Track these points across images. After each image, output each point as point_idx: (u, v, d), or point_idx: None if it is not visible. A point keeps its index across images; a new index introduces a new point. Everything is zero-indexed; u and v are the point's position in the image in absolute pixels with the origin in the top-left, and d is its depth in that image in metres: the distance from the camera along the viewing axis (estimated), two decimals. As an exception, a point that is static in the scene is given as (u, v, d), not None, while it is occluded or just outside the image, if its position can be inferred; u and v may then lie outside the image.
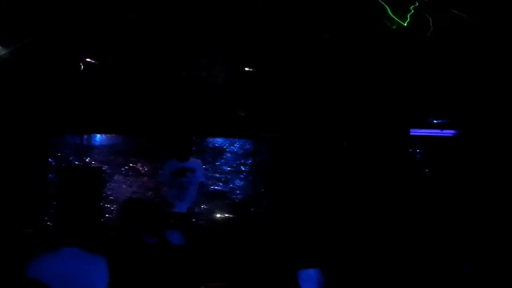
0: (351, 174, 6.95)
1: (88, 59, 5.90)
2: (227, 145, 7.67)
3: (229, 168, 7.61)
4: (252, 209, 7.36)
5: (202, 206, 7.06)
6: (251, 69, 6.42)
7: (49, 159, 6.82)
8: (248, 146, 7.70)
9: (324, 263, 2.77)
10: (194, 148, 7.06)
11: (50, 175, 6.73)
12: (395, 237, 5.52)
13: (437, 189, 7.29)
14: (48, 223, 6.00)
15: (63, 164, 6.80)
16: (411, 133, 7.35)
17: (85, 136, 7.05)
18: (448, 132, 7.34)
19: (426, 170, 7.65)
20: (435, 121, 7.32)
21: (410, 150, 7.61)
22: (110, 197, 7.06)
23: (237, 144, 7.70)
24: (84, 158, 7.01)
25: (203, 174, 5.30)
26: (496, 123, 6.77)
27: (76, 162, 6.93)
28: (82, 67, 5.91)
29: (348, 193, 6.71)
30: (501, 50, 5.39)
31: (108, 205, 6.94)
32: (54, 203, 6.17)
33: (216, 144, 7.65)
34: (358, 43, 5.74)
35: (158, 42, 5.60)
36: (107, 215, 6.79)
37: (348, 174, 6.98)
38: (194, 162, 5.26)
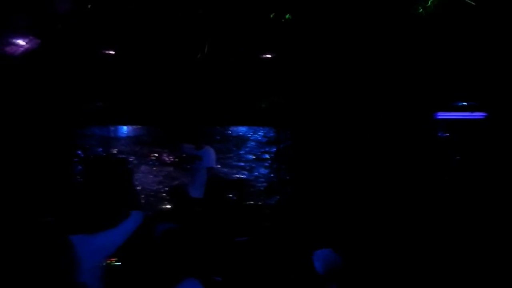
0: (376, 160, 6.83)
1: (109, 52, 5.99)
2: (251, 133, 7.68)
3: (253, 157, 7.62)
4: (277, 197, 7.37)
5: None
6: (274, 56, 6.38)
7: (78, 151, 7.04)
8: (271, 134, 7.69)
9: (337, 244, 2.83)
10: (209, 137, 7.13)
11: (79, 167, 6.95)
12: (419, 224, 5.40)
13: (467, 174, 7.07)
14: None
15: (91, 156, 6.99)
16: (439, 117, 7.15)
17: (111, 128, 7.22)
18: (477, 115, 7.09)
19: (456, 155, 7.42)
20: (464, 104, 7.08)
21: (439, 134, 7.40)
22: (138, 187, 7.21)
23: (261, 133, 7.69)
24: (111, 149, 7.18)
25: (211, 160, 5.55)
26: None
27: (103, 154, 7.11)
28: (104, 62, 6.02)
29: (372, 179, 6.60)
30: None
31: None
32: (82, 193, 6.33)
33: (240, 133, 7.67)
34: (381, 27, 5.60)
35: (179, 31, 5.62)
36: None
37: (373, 160, 6.86)
38: (204, 150, 5.58)
